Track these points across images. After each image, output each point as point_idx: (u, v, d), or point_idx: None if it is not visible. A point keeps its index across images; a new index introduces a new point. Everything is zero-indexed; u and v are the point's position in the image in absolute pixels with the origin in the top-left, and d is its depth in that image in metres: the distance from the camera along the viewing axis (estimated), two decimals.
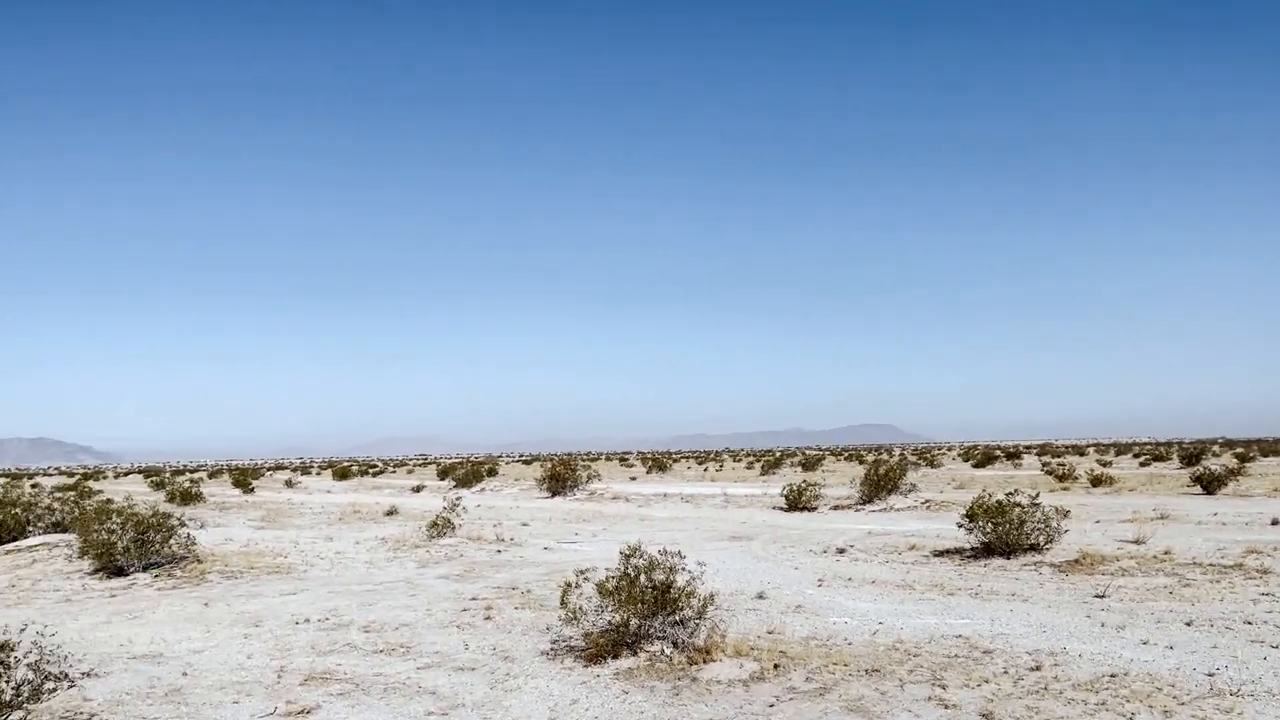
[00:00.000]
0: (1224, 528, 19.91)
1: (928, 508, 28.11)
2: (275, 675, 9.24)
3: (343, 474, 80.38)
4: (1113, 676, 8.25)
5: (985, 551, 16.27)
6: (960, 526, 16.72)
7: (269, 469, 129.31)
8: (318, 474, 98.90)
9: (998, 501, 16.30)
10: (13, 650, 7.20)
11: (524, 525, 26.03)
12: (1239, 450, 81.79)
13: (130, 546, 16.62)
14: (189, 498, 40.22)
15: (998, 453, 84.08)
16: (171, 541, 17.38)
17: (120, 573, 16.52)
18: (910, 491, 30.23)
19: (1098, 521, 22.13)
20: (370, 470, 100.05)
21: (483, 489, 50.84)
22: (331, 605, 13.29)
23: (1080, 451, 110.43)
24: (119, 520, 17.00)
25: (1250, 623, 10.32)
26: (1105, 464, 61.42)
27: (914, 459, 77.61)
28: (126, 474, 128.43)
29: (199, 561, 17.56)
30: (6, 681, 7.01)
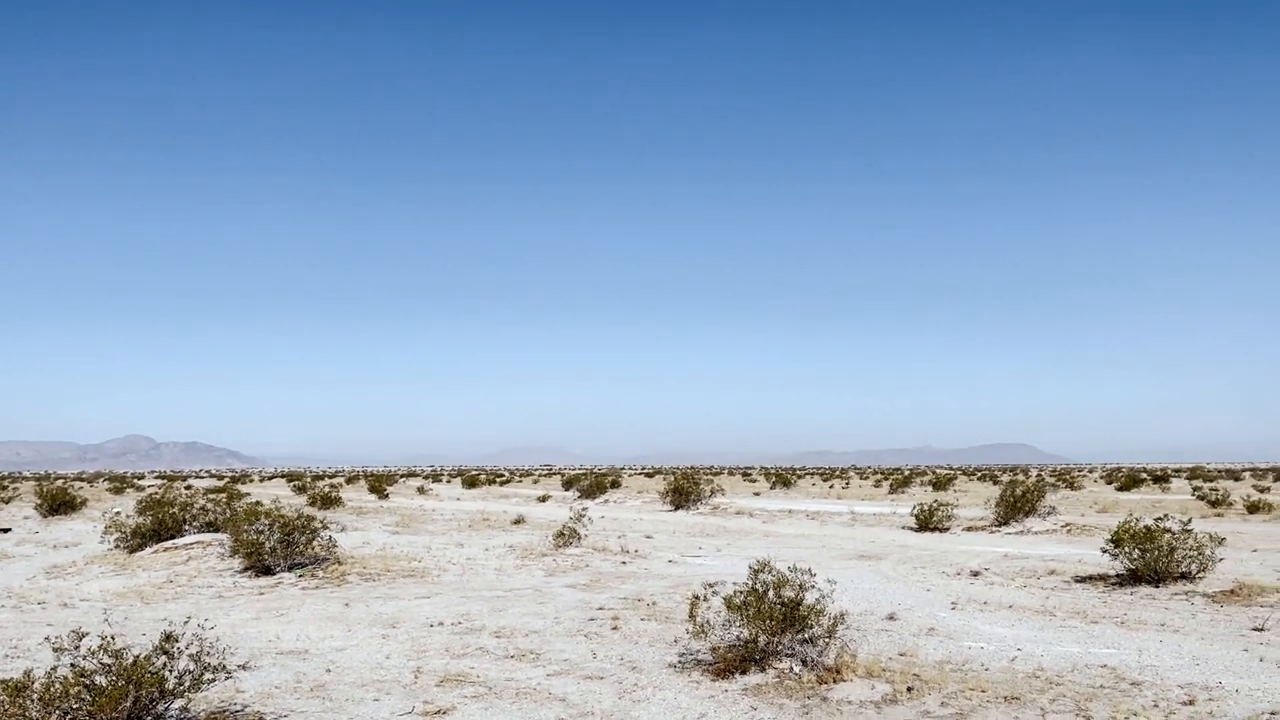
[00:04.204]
0: None
1: (1068, 531, 26.93)
2: (413, 675, 9.56)
3: (471, 482, 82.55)
4: (1274, 714, 7.72)
5: (1131, 579, 15.47)
6: (1104, 552, 15.93)
7: (402, 476, 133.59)
8: (448, 482, 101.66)
9: (1145, 526, 15.47)
10: (176, 641, 7.68)
11: (648, 538, 26.15)
12: None
13: (277, 547, 17.50)
14: (329, 502, 41.88)
15: (1143, 475, 79.87)
16: (314, 543, 18.23)
17: (268, 572, 17.39)
18: (1049, 514, 28.98)
19: (1255, 550, 20.74)
20: (497, 479, 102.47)
21: (606, 500, 51.31)
22: (464, 610, 13.66)
23: (1235, 476, 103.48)
24: (267, 522, 17.93)
25: None
26: (1262, 489, 57.47)
27: (1052, 480, 74.47)
28: (271, 478, 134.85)
29: (339, 563, 18.31)
30: (170, 670, 7.47)
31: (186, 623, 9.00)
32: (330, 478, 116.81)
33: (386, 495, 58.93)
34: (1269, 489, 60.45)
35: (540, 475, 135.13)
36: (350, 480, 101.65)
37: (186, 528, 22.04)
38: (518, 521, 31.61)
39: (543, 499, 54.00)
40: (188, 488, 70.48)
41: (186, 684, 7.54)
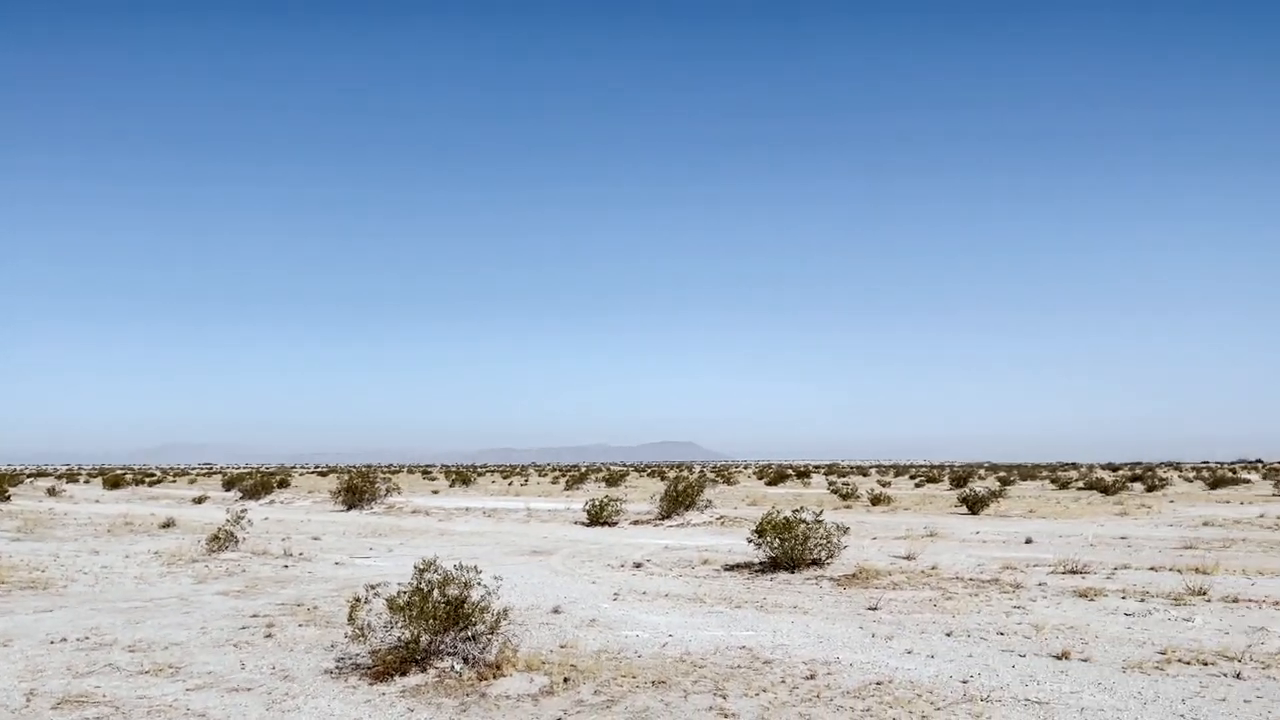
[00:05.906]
0: (984, 545, 21.71)
1: (722, 524, 29.07)
2: (24, 698, 8.48)
3: (114, 482, 74.45)
4: (878, 684, 8.81)
5: (772, 566, 17.00)
6: (750, 542, 17.41)
7: (29, 475, 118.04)
8: (86, 482, 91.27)
9: (785, 518, 17.09)
10: None
11: (315, 539, 25.02)
12: (1001, 474, 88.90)
13: None
14: None
15: (789, 472, 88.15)
16: None
17: None
18: (707, 508, 31.25)
19: (875, 538, 23.61)
20: (147, 479, 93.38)
21: (272, 501, 48.49)
22: (93, 623, 12.32)
23: (864, 472, 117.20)
24: None
25: (1003, 633, 11.29)
26: (884, 484, 65.55)
27: (712, 476, 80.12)
28: None
29: None
30: None
31: None
32: None
33: (9, 498, 51.74)
34: (890, 484, 69.01)
35: (199, 475, 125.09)
36: None
37: None
38: (166, 525, 29.06)
39: (199, 500, 49.95)
40: None
41: None
